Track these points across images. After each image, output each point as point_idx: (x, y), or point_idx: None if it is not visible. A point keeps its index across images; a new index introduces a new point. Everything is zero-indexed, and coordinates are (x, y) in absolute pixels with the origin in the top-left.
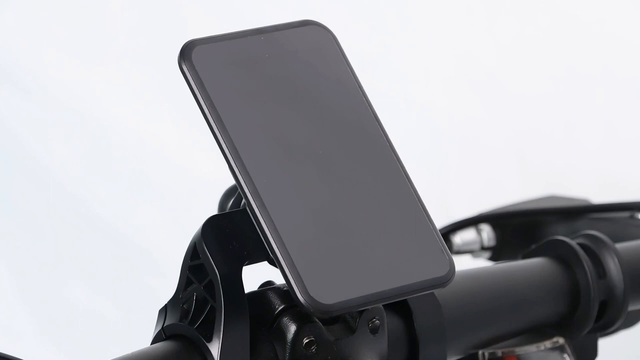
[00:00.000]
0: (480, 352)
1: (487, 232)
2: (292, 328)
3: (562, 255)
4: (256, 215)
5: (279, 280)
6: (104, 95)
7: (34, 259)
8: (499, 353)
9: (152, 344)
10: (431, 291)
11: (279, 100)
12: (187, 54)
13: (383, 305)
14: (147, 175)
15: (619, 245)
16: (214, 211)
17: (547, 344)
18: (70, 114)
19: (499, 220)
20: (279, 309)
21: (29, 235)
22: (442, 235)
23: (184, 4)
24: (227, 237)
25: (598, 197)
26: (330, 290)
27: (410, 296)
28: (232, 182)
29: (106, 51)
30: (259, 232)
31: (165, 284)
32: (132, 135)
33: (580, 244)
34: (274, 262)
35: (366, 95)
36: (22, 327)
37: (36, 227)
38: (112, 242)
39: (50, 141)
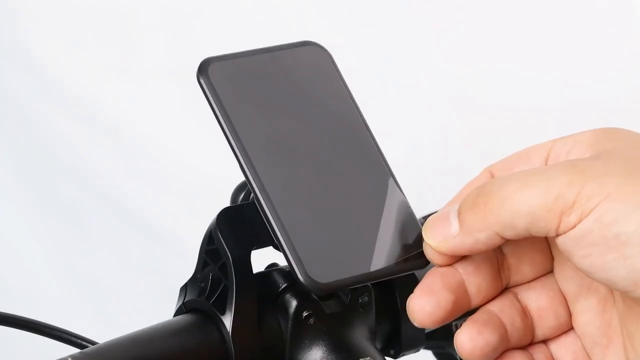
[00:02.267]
0: (453, 323)
1: None
2: (294, 303)
3: None
4: (263, 207)
5: (282, 262)
6: (133, 105)
7: (76, 242)
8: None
9: (174, 316)
10: (412, 272)
11: (282, 110)
12: (204, 69)
13: (371, 284)
14: (171, 174)
15: None
16: (227, 203)
17: None
18: (106, 122)
19: None
20: (283, 287)
21: (72, 223)
22: (422, 224)
23: (201, 28)
24: (238, 225)
25: None
26: (326, 271)
27: (394, 276)
28: (243, 178)
29: (135, 66)
30: (265, 221)
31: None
32: (158, 139)
33: None
34: (278, 247)
35: (358, 106)
36: (61, 301)
37: (77, 217)
38: (143, 232)
39: (87, 148)
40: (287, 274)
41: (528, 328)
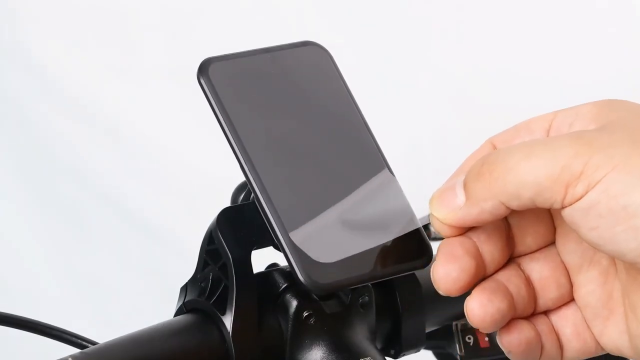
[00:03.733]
0: (453, 323)
1: None
2: (294, 303)
3: None
4: (263, 207)
5: (282, 262)
6: (133, 105)
7: (76, 242)
8: (470, 324)
9: (174, 316)
10: (412, 272)
11: (283, 109)
12: (205, 69)
13: (371, 284)
14: (171, 174)
15: None
16: (227, 203)
17: None
18: (106, 122)
19: None
20: (283, 287)
21: (72, 223)
22: (422, 224)
23: (201, 28)
24: (239, 225)
25: None
26: (326, 271)
27: (394, 276)
28: (243, 179)
29: (135, 66)
30: (266, 221)
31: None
32: (158, 139)
33: None
34: (278, 247)
35: (358, 106)
36: (61, 301)
37: (77, 217)
38: (143, 232)
39: (87, 148)
40: (288, 274)
41: (531, 298)
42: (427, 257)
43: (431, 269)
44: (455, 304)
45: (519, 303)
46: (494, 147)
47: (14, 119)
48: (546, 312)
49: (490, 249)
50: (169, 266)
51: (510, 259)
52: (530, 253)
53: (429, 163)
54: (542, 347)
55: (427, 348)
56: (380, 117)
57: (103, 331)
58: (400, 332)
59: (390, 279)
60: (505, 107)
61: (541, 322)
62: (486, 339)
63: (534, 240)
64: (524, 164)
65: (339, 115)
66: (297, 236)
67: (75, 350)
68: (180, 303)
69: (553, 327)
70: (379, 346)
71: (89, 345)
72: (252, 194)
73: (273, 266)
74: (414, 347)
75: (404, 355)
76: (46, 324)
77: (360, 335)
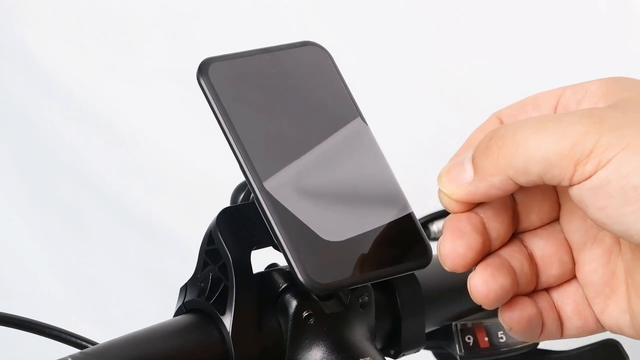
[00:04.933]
0: (453, 323)
1: None
2: (294, 303)
3: None
4: (263, 208)
5: (282, 262)
6: (133, 105)
7: (76, 242)
8: (469, 324)
9: (174, 316)
10: (412, 272)
11: (282, 109)
12: (204, 69)
13: (371, 284)
14: (171, 174)
15: None
16: (227, 203)
17: None
18: (106, 122)
19: None
20: (283, 287)
21: (72, 223)
22: (422, 224)
23: (201, 28)
24: (238, 225)
25: None
26: (326, 271)
27: (394, 276)
28: (242, 179)
29: (135, 66)
30: (265, 221)
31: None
32: (158, 139)
33: None
34: (278, 247)
35: (358, 106)
36: (61, 301)
37: (77, 217)
38: (143, 232)
39: (87, 148)
40: (287, 274)
41: (533, 275)
42: (427, 257)
43: (438, 244)
44: (455, 304)
45: (521, 280)
46: (500, 121)
47: (14, 119)
48: (547, 289)
49: (496, 226)
50: (168, 266)
51: (513, 234)
52: (534, 229)
53: (429, 163)
54: (542, 324)
55: (426, 348)
56: (380, 117)
57: (103, 331)
58: (400, 332)
59: (390, 279)
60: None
61: (542, 299)
62: (486, 339)
63: (539, 217)
64: (533, 139)
65: (338, 115)
66: (296, 236)
67: (74, 351)
68: (180, 303)
69: (554, 304)
70: (378, 346)
71: (89, 345)
72: (252, 194)
73: (273, 266)
74: (414, 347)
75: (403, 355)
76: (45, 324)
77: (360, 335)
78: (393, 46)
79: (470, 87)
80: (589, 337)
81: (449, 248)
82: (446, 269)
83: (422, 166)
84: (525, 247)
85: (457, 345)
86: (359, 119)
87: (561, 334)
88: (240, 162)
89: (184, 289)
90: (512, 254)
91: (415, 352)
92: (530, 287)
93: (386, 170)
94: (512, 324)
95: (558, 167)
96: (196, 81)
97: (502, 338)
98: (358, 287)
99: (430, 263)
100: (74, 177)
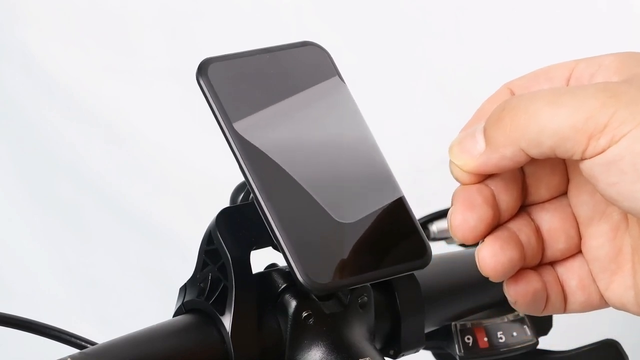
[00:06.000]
0: (452, 323)
1: None
2: (293, 303)
3: None
4: (262, 208)
5: (281, 262)
6: (133, 105)
7: (76, 242)
8: (469, 324)
9: (173, 316)
10: (411, 272)
11: (282, 109)
12: (204, 70)
13: (370, 284)
14: (171, 174)
15: None
16: (227, 204)
17: (510, 316)
18: (106, 122)
19: None
20: (282, 287)
21: (72, 223)
22: (421, 224)
23: (200, 28)
24: (238, 226)
25: None
26: (325, 271)
27: (394, 277)
28: (242, 179)
29: (135, 67)
30: (265, 222)
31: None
32: (158, 139)
33: None
34: (278, 247)
35: (357, 106)
36: (61, 301)
37: (77, 217)
38: (143, 232)
39: (87, 148)
40: (287, 274)
41: (540, 248)
42: (426, 258)
43: (448, 215)
44: (454, 304)
45: (528, 253)
46: (511, 92)
47: (14, 119)
48: (552, 263)
49: (506, 198)
50: (168, 266)
51: (521, 207)
52: (541, 202)
53: (429, 163)
54: (547, 298)
55: (426, 348)
56: (380, 116)
57: (103, 331)
58: (400, 333)
59: (389, 279)
60: None
61: (547, 273)
62: (485, 339)
63: (547, 190)
64: (546, 111)
65: (338, 115)
66: (296, 237)
67: (74, 351)
68: (180, 303)
69: (558, 278)
70: (378, 346)
71: (88, 345)
72: (251, 195)
73: (272, 266)
74: (413, 347)
75: (403, 355)
76: (45, 324)
77: (360, 335)
78: (393, 46)
79: (470, 87)
80: (589, 337)
81: (460, 219)
82: (456, 240)
83: (422, 166)
84: (533, 220)
85: (456, 346)
86: (360, 121)
87: (564, 309)
88: (240, 162)
89: (184, 289)
90: (520, 227)
91: (415, 352)
92: (536, 261)
93: (386, 171)
94: (517, 297)
95: (571, 140)
96: (195, 81)
97: (501, 338)
98: (357, 287)
99: (430, 263)
100: (74, 177)
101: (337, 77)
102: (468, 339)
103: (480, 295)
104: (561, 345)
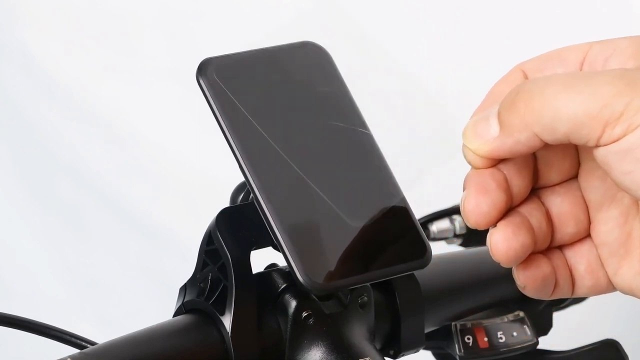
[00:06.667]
0: (452, 323)
1: (459, 222)
2: (293, 303)
3: None
4: (262, 208)
5: (282, 262)
6: (133, 105)
7: (76, 242)
8: (469, 324)
9: (173, 316)
10: (411, 272)
11: (282, 109)
12: (204, 70)
13: (370, 284)
14: (171, 174)
15: None
16: (227, 204)
17: (510, 316)
18: (106, 122)
19: None
20: (282, 287)
21: (72, 223)
22: (421, 224)
23: (200, 28)
24: (238, 226)
25: None
26: (325, 271)
27: (394, 277)
28: (242, 179)
29: (135, 66)
30: (265, 222)
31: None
32: (158, 139)
33: None
34: (278, 247)
35: (357, 106)
36: (61, 301)
37: (77, 217)
38: (143, 232)
39: (87, 148)
40: (287, 274)
41: (549, 232)
42: (426, 258)
43: (461, 200)
44: (455, 304)
45: (538, 237)
46: (524, 74)
47: (14, 119)
48: (560, 247)
49: (518, 182)
50: (168, 266)
51: (531, 191)
52: (552, 186)
53: (429, 162)
54: (555, 282)
55: (426, 348)
56: (379, 116)
57: (103, 331)
58: (400, 333)
59: (389, 279)
60: None
61: (556, 257)
62: (485, 339)
63: (558, 174)
64: (562, 97)
65: (338, 115)
66: (296, 237)
67: (74, 351)
68: (180, 303)
69: (567, 262)
70: (378, 346)
71: (88, 345)
72: (251, 195)
73: (272, 266)
74: (413, 347)
75: (403, 355)
76: (44, 324)
77: (360, 335)
78: (393, 46)
79: (470, 87)
80: (589, 337)
81: (473, 204)
82: (469, 225)
83: (422, 166)
84: (543, 203)
85: (456, 346)
86: (360, 121)
87: (572, 293)
88: (240, 162)
89: (184, 289)
90: (531, 212)
91: (415, 352)
92: (545, 245)
93: (386, 171)
94: (527, 282)
95: (586, 127)
96: (195, 81)
97: (501, 338)
98: (357, 287)
99: (430, 263)
100: (74, 177)
101: (337, 77)
102: (468, 339)
103: (480, 295)
104: (561, 345)
